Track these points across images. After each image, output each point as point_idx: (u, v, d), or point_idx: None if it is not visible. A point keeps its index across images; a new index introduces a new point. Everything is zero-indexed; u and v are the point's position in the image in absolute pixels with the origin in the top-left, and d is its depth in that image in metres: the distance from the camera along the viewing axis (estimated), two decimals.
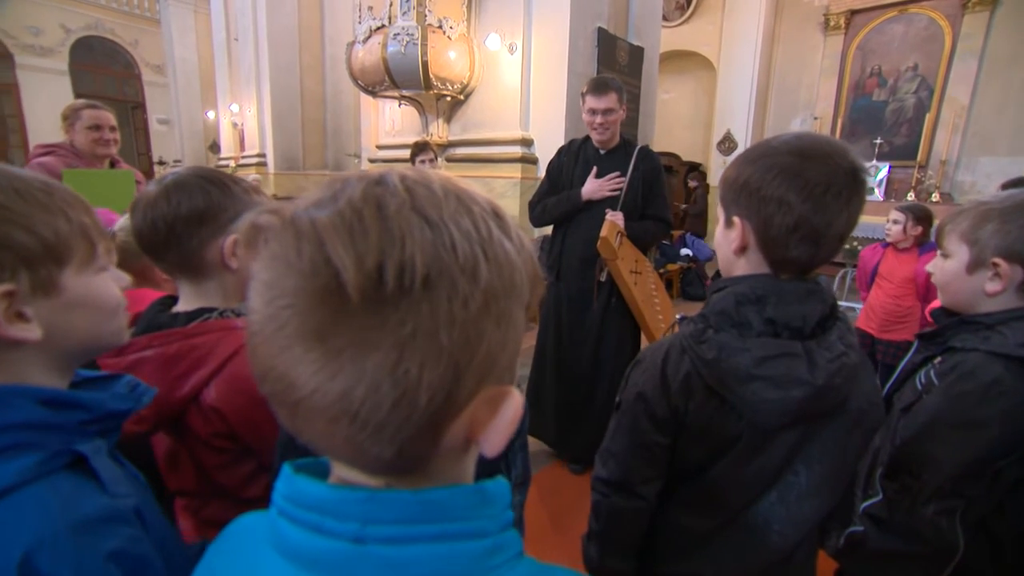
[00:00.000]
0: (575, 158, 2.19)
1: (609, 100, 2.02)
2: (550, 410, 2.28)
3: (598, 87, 2.03)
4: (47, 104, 9.75)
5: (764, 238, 0.66)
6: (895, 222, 2.48)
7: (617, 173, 2.07)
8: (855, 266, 5.61)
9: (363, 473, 0.30)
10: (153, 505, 0.55)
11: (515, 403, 0.30)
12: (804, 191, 0.62)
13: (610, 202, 2.11)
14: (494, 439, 0.30)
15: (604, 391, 2.17)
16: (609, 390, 2.15)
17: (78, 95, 10.43)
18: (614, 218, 2.05)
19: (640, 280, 2.14)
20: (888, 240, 2.53)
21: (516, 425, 0.31)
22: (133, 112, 12.11)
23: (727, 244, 0.71)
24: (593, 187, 2.08)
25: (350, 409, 0.26)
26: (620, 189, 2.09)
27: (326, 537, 0.28)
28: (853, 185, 0.63)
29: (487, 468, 0.77)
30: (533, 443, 2.46)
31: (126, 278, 0.57)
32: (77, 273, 0.49)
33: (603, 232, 1.99)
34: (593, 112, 2.04)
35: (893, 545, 0.78)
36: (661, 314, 2.23)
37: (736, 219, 0.69)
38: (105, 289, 0.52)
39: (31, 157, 2.16)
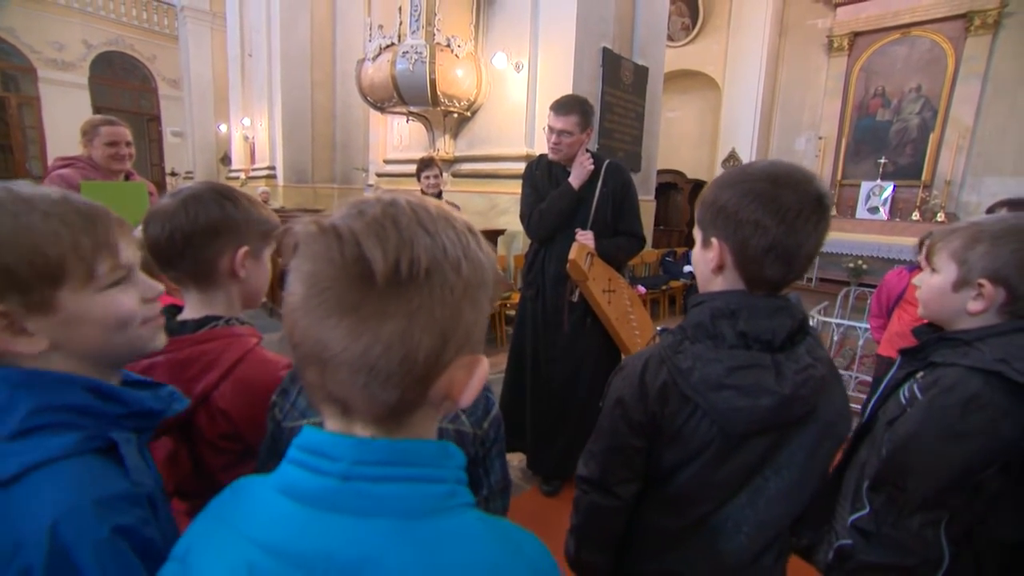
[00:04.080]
0: (547, 175, 2.15)
1: (567, 122, 1.95)
2: (526, 424, 2.22)
3: (560, 107, 1.97)
4: (66, 116, 10.01)
5: (741, 258, 0.71)
6: None
7: (588, 153, 2.03)
8: (860, 285, 5.63)
9: (361, 423, 0.39)
10: (165, 502, 0.59)
11: (484, 366, 0.40)
12: (778, 215, 0.67)
13: (580, 220, 2.06)
14: (467, 394, 0.40)
15: (577, 410, 2.12)
16: (582, 409, 2.11)
17: (96, 108, 10.73)
18: (583, 239, 2.01)
19: (614, 298, 2.11)
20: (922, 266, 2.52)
21: (484, 383, 0.41)
22: (148, 124, 12.43)
23: (704, 263, 0.76)
24: (577, 172, 2.02)
25: (368, 363, 0.35)
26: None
27: (319, 475, 0.37)
28: (820, 210, 0.68)
29: (467, 473, 0.79)
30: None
31: (158, 287, 0.60)
32: (75, 292, 0.51)
33: (571, 255, 1.95)
34: (550, 130, 1.99)
35: (880, 558, 0.79)
36: (638, 330, 2.20)
37: (714, 240, 0.73)
38: (107, 306, 0.53)
39: (51, 169, 2.26)
